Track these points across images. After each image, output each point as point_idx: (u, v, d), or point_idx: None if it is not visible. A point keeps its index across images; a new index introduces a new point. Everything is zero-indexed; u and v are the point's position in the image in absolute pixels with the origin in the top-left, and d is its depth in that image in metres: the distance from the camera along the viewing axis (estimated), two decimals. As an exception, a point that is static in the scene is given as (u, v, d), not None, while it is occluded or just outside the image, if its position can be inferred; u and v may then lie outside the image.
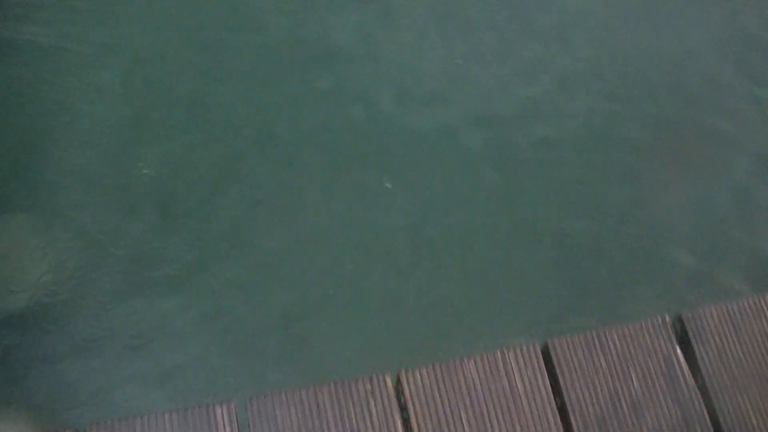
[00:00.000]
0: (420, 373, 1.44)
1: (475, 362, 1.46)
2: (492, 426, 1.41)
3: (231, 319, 2.19)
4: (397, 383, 1.44)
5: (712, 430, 1.45)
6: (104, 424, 1.38)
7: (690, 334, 1.52)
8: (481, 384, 1.44)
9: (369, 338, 2.16)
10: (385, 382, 1.43)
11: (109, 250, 2.29)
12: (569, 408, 1.44)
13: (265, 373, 2.01)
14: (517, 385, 1.45)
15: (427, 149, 2.55)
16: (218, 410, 1.40)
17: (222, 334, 2.16)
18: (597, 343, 1.49)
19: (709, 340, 1.52)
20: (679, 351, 1.50)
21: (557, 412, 1.43)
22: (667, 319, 1.53)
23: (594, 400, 1.45)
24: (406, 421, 1.41)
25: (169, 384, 2.05)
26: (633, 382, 1.47)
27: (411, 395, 1.43)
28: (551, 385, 1.46)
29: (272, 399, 1.41)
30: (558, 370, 1.46)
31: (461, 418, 1.41)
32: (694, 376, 1.49)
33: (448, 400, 1.43)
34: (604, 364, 1.48)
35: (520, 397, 1.44)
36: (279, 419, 1.40)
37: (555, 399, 1.45)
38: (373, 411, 1.41)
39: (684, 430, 1.44)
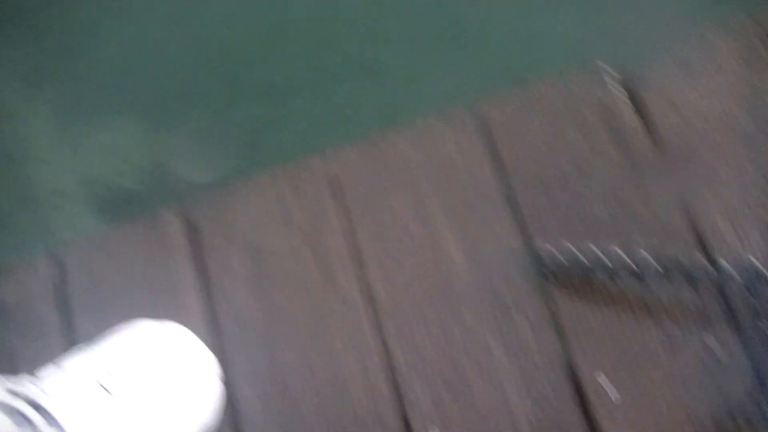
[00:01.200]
0: (348, 151, 1.40)
1: (405, 135, 1.41)
2: (427, 196, 1.38)
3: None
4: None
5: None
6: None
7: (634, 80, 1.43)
8: (414, 157, 1.40)
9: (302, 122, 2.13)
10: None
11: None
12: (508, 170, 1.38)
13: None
14: (452, 155, 1.40)
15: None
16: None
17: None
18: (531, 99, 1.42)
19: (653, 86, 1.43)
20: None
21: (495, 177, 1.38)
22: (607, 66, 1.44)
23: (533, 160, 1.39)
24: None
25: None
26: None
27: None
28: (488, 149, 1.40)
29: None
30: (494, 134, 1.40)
31: (395, 194, 1.38)
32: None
33: (378, 174, 1.39)
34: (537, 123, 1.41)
35: (456, 167, 1.39)
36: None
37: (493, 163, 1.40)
38: (307, 192, 1.39)
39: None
